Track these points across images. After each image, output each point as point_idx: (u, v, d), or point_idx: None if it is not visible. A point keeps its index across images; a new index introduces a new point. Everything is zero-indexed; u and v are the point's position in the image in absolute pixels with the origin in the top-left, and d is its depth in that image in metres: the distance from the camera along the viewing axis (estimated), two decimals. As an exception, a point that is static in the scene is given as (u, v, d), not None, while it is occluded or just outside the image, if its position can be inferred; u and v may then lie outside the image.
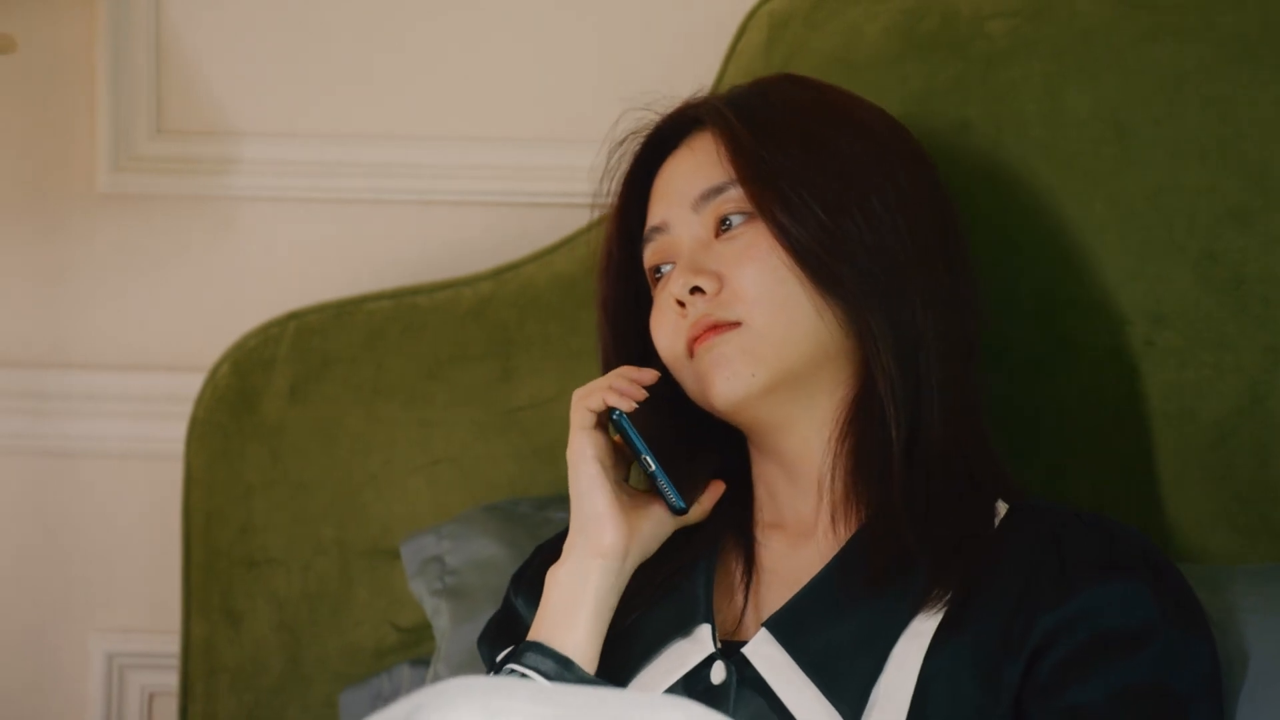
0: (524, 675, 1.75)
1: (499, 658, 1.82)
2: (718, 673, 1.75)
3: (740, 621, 1.81)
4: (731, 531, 1.86)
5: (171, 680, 2.38)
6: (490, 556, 2.11)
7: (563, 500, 2.14)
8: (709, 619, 1.78)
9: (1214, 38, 2.04)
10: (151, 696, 2.45)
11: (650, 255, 1.88)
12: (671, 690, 1.76)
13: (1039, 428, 2.02)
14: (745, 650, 1.75)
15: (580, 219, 2.26)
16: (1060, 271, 2.04)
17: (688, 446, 1.83)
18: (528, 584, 1.90)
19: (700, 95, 1.93)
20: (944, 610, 1.74)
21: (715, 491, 1.86)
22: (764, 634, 1.76)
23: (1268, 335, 2.02)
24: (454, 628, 2.10)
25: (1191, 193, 2.03)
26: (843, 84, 2.06)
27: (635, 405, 1.79)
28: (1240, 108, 2.03)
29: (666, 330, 1.83)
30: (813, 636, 1.75)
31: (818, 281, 1.79)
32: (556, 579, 1.79)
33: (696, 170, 1.86)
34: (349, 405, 2.25)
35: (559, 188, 2.35)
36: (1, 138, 2.42)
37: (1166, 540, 2.02)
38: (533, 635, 1.78)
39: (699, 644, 1.78)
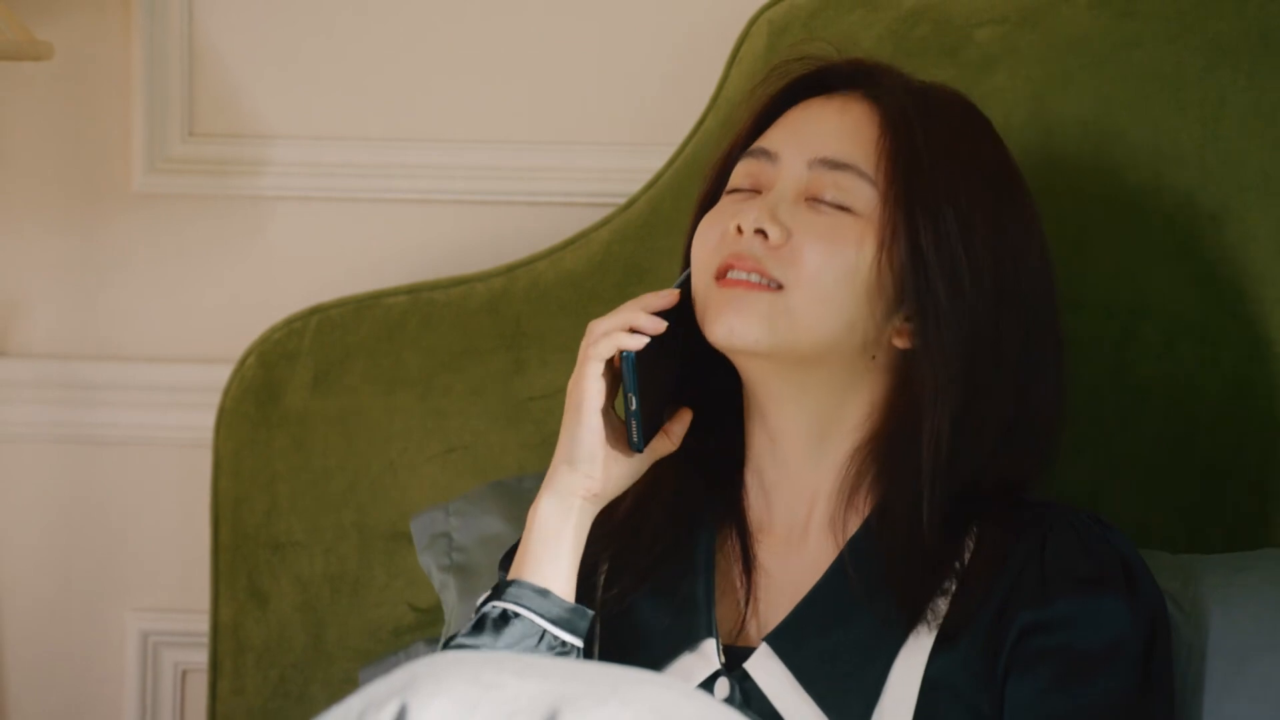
0: (508, 610, 1.73)
1: (479, 601, 1.77)
2: (721, 689, 1.74)
3: (742, 626, 1.79)
4: (728, 524, 1.82)
5: (203, 657, 2.39)
6: (496, 534, 2.12)
7: None
8: (712, 633, 1.76)
9: (1194, 44, 2.07)
10: (184, 673, 2.47)
11: (745, 174, 1.79)
12: None
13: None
14: (747, 665, 1.74)
15: (589, 217, 2.30)
16: (1047, 268, 2.09)
17: (678, 379, 1.77)
18: None
19: (876, 63, 1.84)
20: (944, 613, 1.72)
21: (683, 420, 1.80)
22: (765, 648, 1.74)
23: (1245, 330, 2.05)
24: (461, 603, 2.11)
25: (1172, 193, 2.07)
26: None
27: (646, 342, 1.73)
28: (1218, 111, 2.06)
29: (711, 240, 1.76)
30: (812, 650, 1.73)
31: (884, 303, 1.73)
32: (539, 517, 1.75)
33: (837, 132, 1.76)
34: (368, 396, 2.27)
35: (573, 188, 2.37)
36: (42, 141, 2.44)
37: (1147, 530, 2.03)
38: (514, 573, 1.75)
39: (704, 659, 1.76)
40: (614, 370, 1.76)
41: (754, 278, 1.73)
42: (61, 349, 2.46)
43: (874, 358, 1.76)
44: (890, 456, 1.76)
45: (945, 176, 1.74)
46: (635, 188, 2.27)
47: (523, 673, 1.43)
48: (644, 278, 2.22)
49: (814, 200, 1.75)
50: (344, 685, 2.25)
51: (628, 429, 1.75)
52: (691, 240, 1.81)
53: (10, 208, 2.46)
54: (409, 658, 2.20)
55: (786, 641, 1.74)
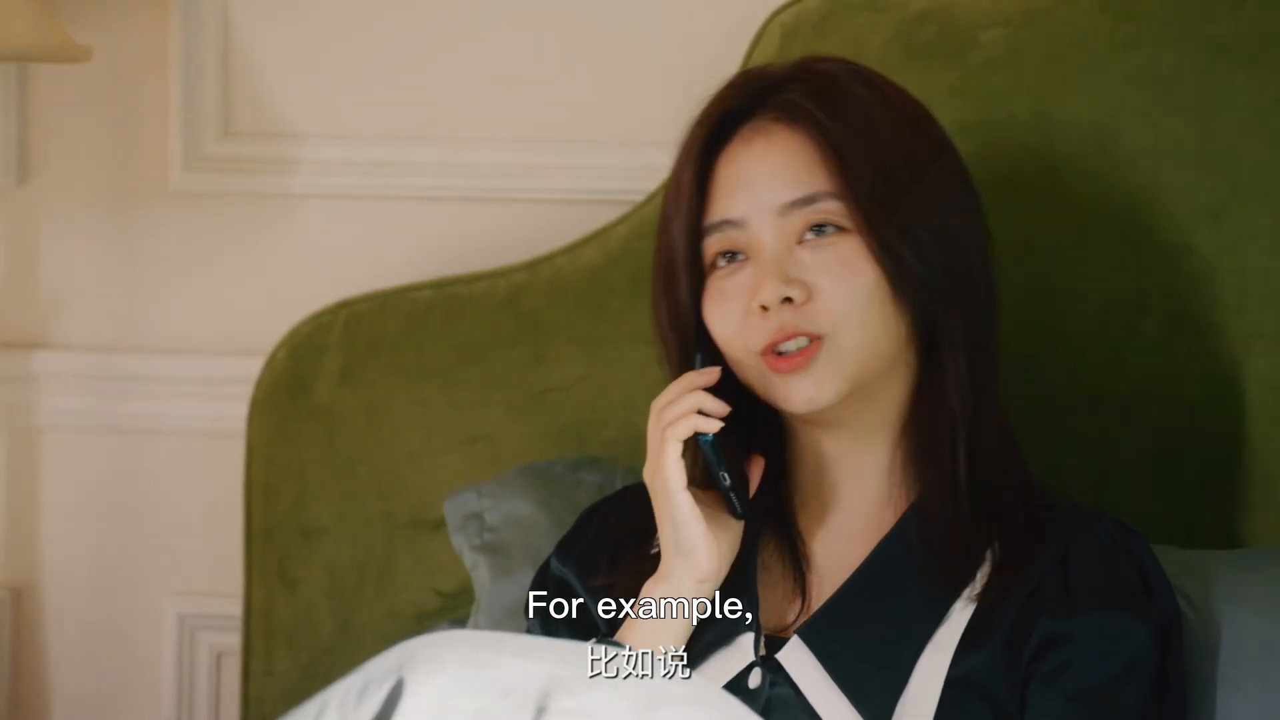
0: None
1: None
2: (754, 679, 1.77)
3: (779, 620, 1.81)
4: (770, 524, 1.84)
5: (238, 640, 2.41)
6: (525, 516, 2.14)
7: (592, 463, 2.18)
8: (751, 628, 1.78)
9: (1191, 45, 2.09)
10: (220, 655, 2.50)
11: (717, 244, 1.79)
12: None
13: (1029, 409, 2.04)
14: (779, 656, 1.77)
15: (608, 214, 2.32)
16: (1049, 263, 2.09)
17: (735, 439, 1.79)
18: (580, 555, 1.89)
19: (762, 72, 1.83)
20: (970, 614, 1.74)
21: (758, 470, 1.82)
22: (796, 640, 1.77)
23: (1241, 324, 2.07)
24: (493, 582, 2.13)
25: (1170, 190, 2.08)
26: (848, 89, 2.15)
27: (720, 426, 1.75)
28: (1215, 110, 2.08)
29: (733, 321, 1.78)
30: (841, 643, 1.76)
31: (906, 299, 1.76)
32: (654, 599, 1.77)
33: (782, 171, 1.78)
34: (393, 388, 2.29)
35: (593, 185, 2.38)
36: (82, 141, 2.47)
37: (1146, 523, 2.00)
38: (624, 636, 1.77)
39: (741, 652, 1.78)
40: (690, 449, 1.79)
41: (801, 342, 1.76)
42: (102, 342, 2.50)
43: (910, 344, 1.81)
44: (923, 412, 1.80)
45: (873, 161, 1.77)
46: (654, 185, 2.28)
47: (521, 653, 1.46)
48: (659, 273, 2.25)
49: (805, 239, 1.78)
50: (370, 668, 2.29)
51: (728, 503, 1.78)
52: (661, 311, 1.83)
53: (52, 206, 2.49)
54: (433, 641, 2.23)
55: (817, 634, 1.77)
